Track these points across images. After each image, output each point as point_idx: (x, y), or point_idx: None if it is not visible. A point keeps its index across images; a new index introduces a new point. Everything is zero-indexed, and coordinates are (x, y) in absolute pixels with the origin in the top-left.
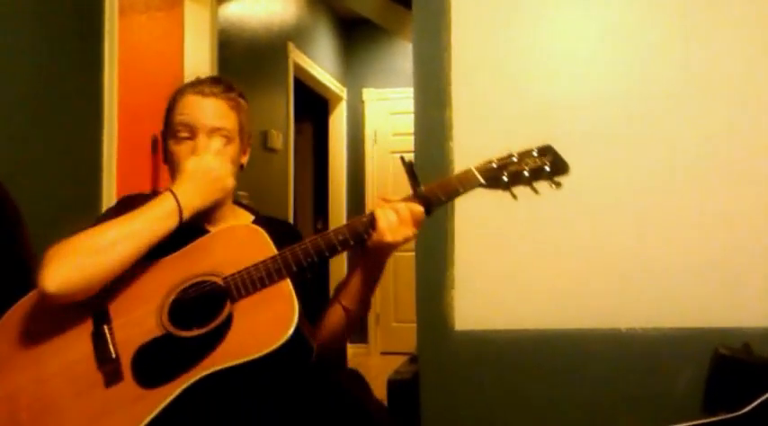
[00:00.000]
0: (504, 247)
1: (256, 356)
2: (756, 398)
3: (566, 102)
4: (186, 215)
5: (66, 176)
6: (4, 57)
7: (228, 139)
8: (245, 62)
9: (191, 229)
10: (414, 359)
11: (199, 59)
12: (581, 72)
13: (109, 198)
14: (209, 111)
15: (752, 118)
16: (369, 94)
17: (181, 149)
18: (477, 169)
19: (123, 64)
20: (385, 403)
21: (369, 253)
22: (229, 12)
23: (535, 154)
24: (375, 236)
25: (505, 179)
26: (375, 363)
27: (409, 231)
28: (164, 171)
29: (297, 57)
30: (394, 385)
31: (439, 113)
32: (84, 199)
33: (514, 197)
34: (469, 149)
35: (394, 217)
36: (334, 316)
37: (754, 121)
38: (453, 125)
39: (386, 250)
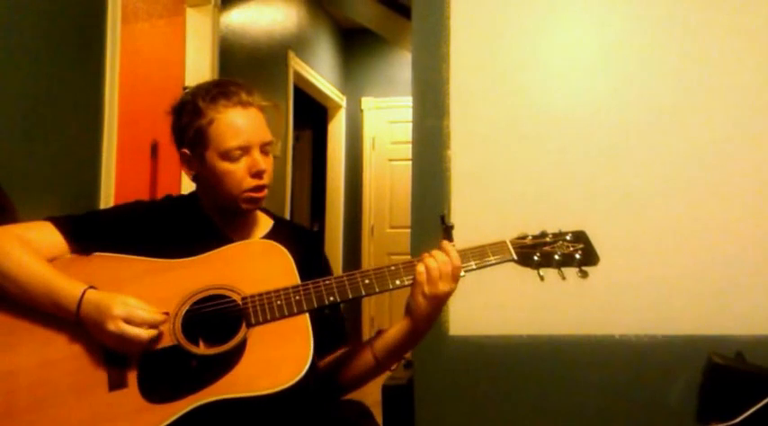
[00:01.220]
0: None
1: (265, 393)
2: (750, 407)
3: (563, 113)
4: (77, 319)
5: (65, 180)
6: (6, 62)
7: (271, 148)
8: (246, 69)
9: (211, 232)
10: (408, 364)
11: (200, 66)
12: (579, 83)
13: (107, 202)
14: (257, 124)
15: (749, 130)
16: (367, 103)
17: (239, 168)
18: (512, 243)
19: (125, 70)
20: (380, 408)
21: (412, 313)
22: (231, 20)
23: (569, 238)
24: (413, 288)
25: (536, 258)
26: None
27: (447, 286)
28: (162, 176)
29: (297, 65)
30: (389, 390)
31: (437, 122)
32: (82, 203)
33: (541, 278)
34: (466, 157)
35: (435, 267)
36: (364, 365)
37: (751, 134)
38: (451, 134)
39: (426, 307)
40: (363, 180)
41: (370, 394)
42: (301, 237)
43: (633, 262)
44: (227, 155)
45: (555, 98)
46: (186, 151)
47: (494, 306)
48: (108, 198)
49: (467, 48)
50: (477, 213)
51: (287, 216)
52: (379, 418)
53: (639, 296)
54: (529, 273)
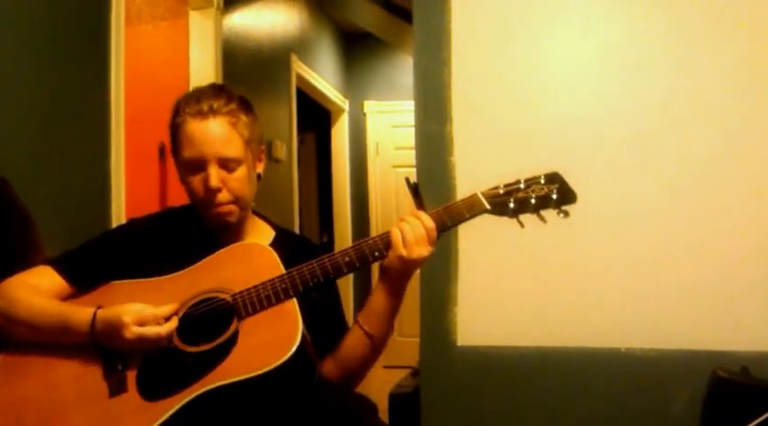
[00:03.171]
0: (507, 265)
1: (258, 373)
2: (753, 421)
3: (566, 118)
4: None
5: (75, 184)
6: (11, 65)
7: (236, 164)
8: (249, 72)
9: (208, 242)
10: (416, 372)
11: (203, 69)
12: (581, 88)
13: (118, 205)
14: (214, 138)
15: (750, 139)
16: (370, 106)
17: (195, 180)
18: (484, 194)
19: (129, 73)
20: (386, 415)
21: (387, 275)
22: (234, 22)
23: (542, 181)
24: (390, 254)
25: (512, 206)
26: (378, 376)
27: (424, 249)
28: (171, 177)
29: (299, 68)
30: (396, 398)
31: (440, 128)
32: (93, 207)
33: (521, 225)
34: (471, 163)
35: (409, 231)
36: (357, 342)
37: (753, 142)
38: (454, 139)
39: (402, 270)
40: (369, 187)
41: (377, 402)
42: (303, 249)
43: (639, 275)
44: (185, 165)
45: (558, 103)
46: (169, 150)
47: (501, 317)
48: (119, 201)
49: (468, 53)
50: (485, 222)
51: (296, 223)
52: None
53: (645, 309)
54: (533, 285)
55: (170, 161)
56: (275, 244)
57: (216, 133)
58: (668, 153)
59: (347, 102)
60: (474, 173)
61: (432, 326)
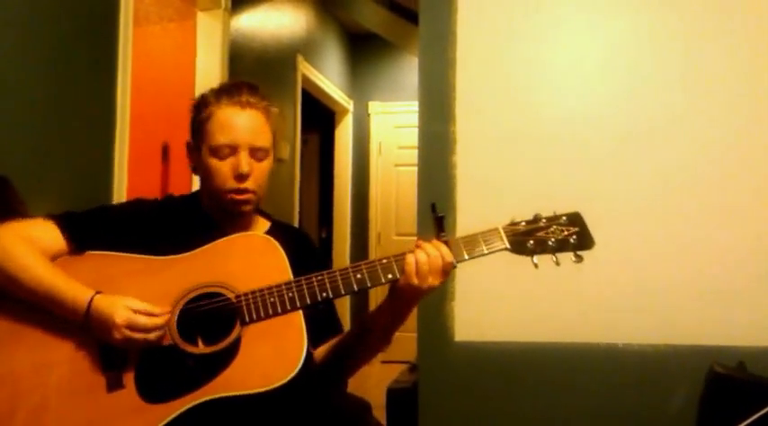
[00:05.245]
0: (504, 260)
1: (260, 390)
2: (750, 416)
3: (569, 119)
4: (86, 324)
5: (79, 183)
6: (19, 65)
7: (264, 155)
8: (255, 73)
9: (210, 229)
10: (413, 368)
11: (210, 70)
12: (585, 89)
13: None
14: (249, 126)
15: (753, 138)
16: (374, 107)
17: (224, 167)
18: (504, 230)
19: (136, 73)
20: (384, 411)
21: (395, 297)
22: (240, 24)
23: (564, 221)
24: (402, 278)
25: (530, 246)
26: (375, 371)
27: (437, 280)
28: (173, 178)
29: (305, 68)
30: (394, 393)
31: (443, 128)
32: (95, 205)
33: (536, 266)
34: (472, 163)
35: (425, 262)
36: (352, 351)
37: (755, 143)
38: (457, 139)
39: (412, 294)
40: (370, 185)
41: (375, 398)
42: (296, 239)
43: (637, 271)
44: (215, 151)
45: (561, 104)
46: (190, 141)
47: (499, 312)
48: (120, 200)
49: (473, 54)
50: (484, 220)
51: (296, 221)
52: (382, 421)
53: (643, 305)
54: (531, 281)
55: (173, 161)
56: (270, 235)
57: (251, 123)
58: (669, 151)
59: (352, 102)
60: (475, 171)
61: (429, 321)
